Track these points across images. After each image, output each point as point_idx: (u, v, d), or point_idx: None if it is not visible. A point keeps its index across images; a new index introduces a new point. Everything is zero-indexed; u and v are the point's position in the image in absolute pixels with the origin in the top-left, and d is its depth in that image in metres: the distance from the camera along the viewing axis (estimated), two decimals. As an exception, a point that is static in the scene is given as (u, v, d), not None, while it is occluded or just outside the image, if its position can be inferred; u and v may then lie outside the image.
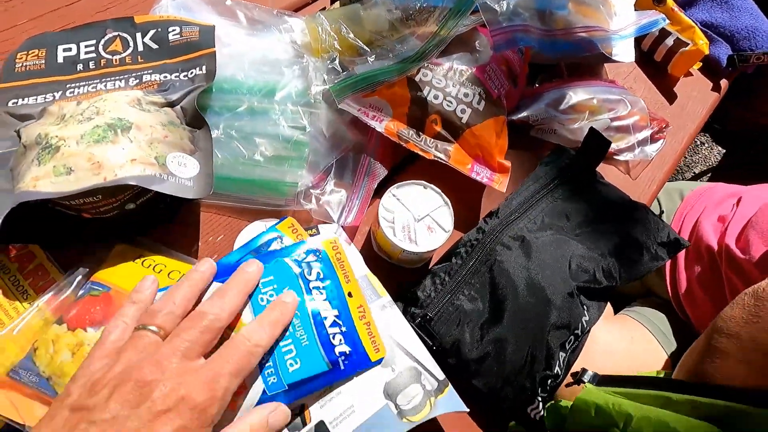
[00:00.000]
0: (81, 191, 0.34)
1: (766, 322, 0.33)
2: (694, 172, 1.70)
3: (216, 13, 0.54)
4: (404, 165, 0.51)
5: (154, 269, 0.38)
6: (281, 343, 0.34)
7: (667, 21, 0.56)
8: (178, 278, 0.38)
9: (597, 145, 0.47)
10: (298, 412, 0.36)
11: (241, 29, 0.53)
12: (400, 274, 0.45)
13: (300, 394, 0.35)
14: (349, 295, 0.37)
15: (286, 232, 0.41)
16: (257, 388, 0.33)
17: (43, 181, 0.34)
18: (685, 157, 1.78)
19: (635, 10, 0.67)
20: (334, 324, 0.37)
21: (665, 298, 0.62)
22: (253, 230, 0.42)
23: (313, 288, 0.37)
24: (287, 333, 0.35)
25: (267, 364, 0.34)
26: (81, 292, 0.37)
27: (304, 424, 0.35)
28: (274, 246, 0.40)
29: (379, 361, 0.37)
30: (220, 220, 0.45)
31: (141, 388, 0.25)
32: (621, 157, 0.56)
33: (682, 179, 1.67)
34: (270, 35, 0.53)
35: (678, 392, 0.34)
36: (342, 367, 0.35)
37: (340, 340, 0.36)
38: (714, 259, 0.55)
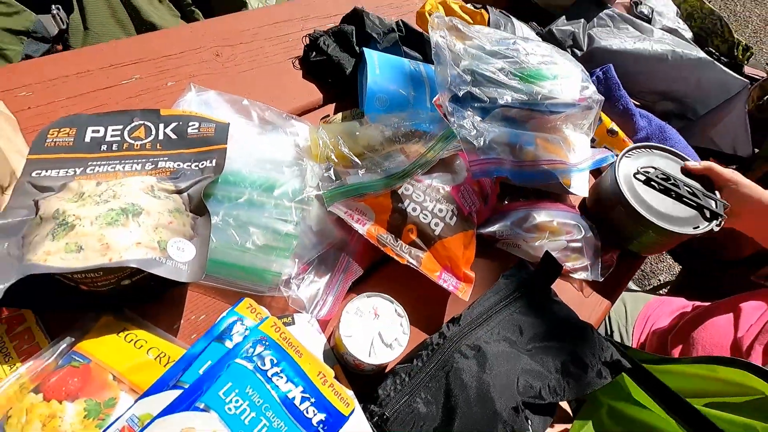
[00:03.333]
0: (86, 269, 0.38)
1: None
2: (659, 280, 1.81)
3: (233, 110, 0.62)
4: (379, 266, 0.57)
5: (135, 344, 0.41)
6: None
7: (615, 158, 0.66)
8: (156, 355, 0.41)
9: (551, 267, 0.54)
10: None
11: (253, 127, 0.61)
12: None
13: None
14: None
15: (244, 313, 0.44)
16: None
17: (53, 256, 0.38)
18: (651, 264, 1.91)
19: (594, 139, 0.79)
20: (303, 400, 0.39)
21: None
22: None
23: (272, 375, 0.40)
24: (265, 429, 0.37)
25: None
26: (62, 361, 0.39)
27: None
28: (236, 328, 0.43)
29: (352, 413, 0.39)
30: (204, 300, 0.48)
31: None
32: (576, 276, 0.63)
33: (648, 284, 1.79)
34: (277, 136, 0.60)
35: None
36: None
37: (314, 411, 0.39)
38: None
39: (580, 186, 0.65)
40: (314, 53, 0.72)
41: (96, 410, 0.36)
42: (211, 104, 0.61)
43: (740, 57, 1.10)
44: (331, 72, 0.71)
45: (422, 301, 0.52)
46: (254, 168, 0.54)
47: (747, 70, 1.12)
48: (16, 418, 0.35)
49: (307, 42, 0.73)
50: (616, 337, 0.78)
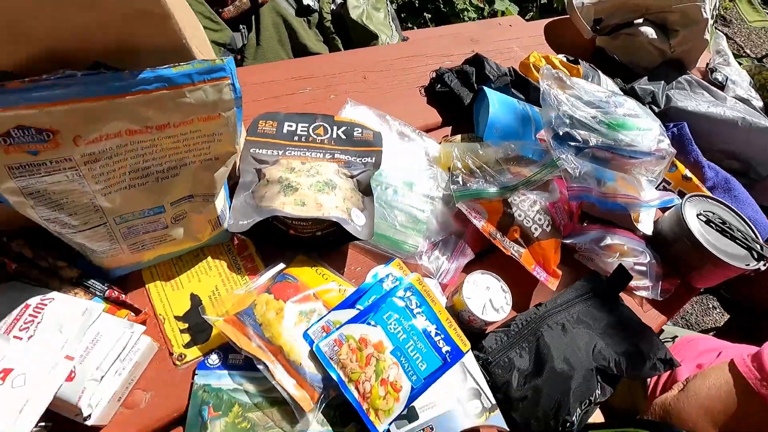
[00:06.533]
0: (307, 218, 0.56)
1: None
2: (704, 330, 1.85)
3: (379, 122, 0.80)
4: (486, 253, 0.72)
5: (323, 276, 0.58)
6: (411, 354, 0.52)
7: (680, 200, 0.78)
8: (337, 285, 0.58)
9: (622, 277, 0.67)
10: (397, 397, 0.52)
11: (394, 137, 0.79)
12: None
13: (430, 383, 0.52)
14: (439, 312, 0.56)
15: (396, 268, 0.61)
16: (407, 385, 0.51)
17: (287, 206, 0.57)
18: (697, 317, 1.94)
19: (669, 182, 0.91)
20: (436, 334, 0.55)
21: None
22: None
23: (416, 313, 0.56)
24: (413, 347, 0.53)
25: (407, 369, 0.52)
26: (278, 278, 0.57)
27: (401, 406, 0.52)
28: (389, 278, 0.59)
29: (467, 351, 0.54)
30: (360, 257, 0.65)
31: None
32: (638, 293, 0.76)
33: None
34: (414, 146, 0.78)
35: None
36: (449, 360, 0.53)
37: (443, 343, 0.54)
38: None
39: (646, 225, 0.79)
40: (439, 85, 0.90)
41: (305, 312, 0.54)
42: (363, 116, 0.80)
43: (807, 129, 1.19)
44: (452, 102, 0.88)
45: (515, 285, 0.66)
46: (399, 168, 0.72)
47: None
48: (260, 307, 0.52)
49: (434, 76, 0.91)
50: None
